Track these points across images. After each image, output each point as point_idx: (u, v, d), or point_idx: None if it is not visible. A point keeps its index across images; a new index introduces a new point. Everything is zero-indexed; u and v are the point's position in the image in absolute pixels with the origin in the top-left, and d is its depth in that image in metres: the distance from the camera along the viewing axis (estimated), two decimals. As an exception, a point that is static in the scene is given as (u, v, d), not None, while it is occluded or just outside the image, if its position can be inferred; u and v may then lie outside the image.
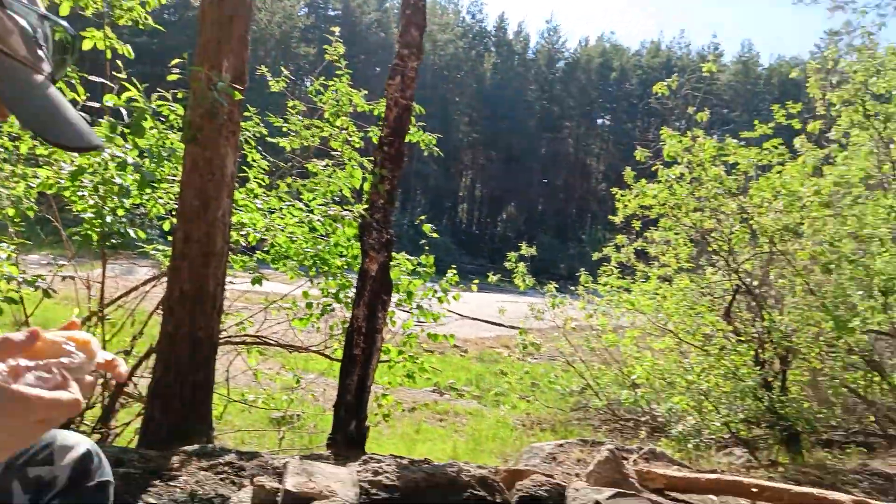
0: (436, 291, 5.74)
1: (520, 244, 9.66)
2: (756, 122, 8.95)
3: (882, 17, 14.58)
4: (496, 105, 67.00)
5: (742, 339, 7.48)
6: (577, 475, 3.76)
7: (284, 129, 5.95)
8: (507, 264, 9.45)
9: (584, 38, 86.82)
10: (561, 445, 4.69)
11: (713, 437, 7.26)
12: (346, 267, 5.55)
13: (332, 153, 5.90)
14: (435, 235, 5.88)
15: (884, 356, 8.48)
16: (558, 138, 72.96)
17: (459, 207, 74.83)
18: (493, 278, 9.82)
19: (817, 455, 6.62)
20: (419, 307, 5.63)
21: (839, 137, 9.35)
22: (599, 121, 77.86)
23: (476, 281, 7.42)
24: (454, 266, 6.33)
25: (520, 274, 9.28)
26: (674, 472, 4.28)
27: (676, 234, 8.71)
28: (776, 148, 8.77)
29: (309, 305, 5.58)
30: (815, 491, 4.03)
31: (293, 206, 5.66)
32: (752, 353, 7.36)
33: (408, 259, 5.75)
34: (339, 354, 4.89)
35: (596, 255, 9.62)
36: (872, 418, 7.98)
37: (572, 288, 9.81)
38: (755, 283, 8.40)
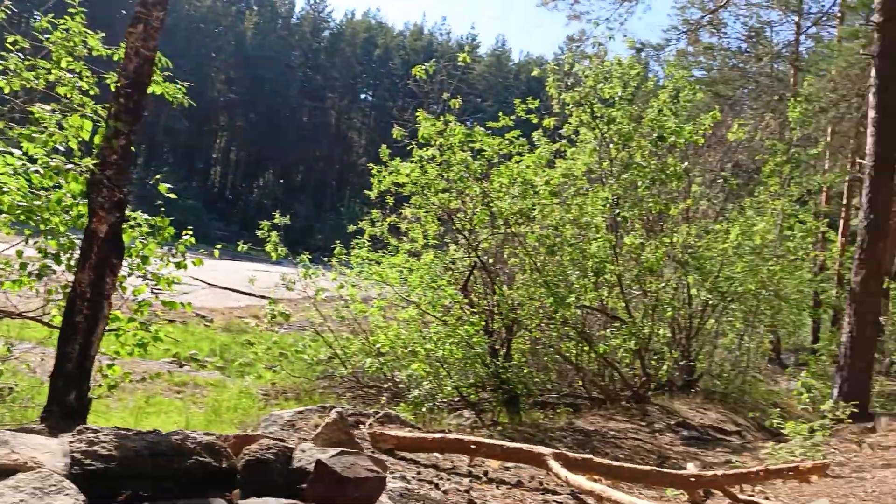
0: (173, 255, 5.41)
1: (274, 213, 9.45)
2: (501, 114, 9.63)
3: (611, 30, 16.49)
4: (257, 67, 64.18)
5: (475, 310, 8.11)
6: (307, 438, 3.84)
7: (1, 67, 5.18)
8: (259, 233, 9.20)
9: (350, 11, 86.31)
10: (300, 413, 4.74)
11: (445, 400, 7.81)
12: (71, 226, 5.01)
13: (61, 99, 5.26)
14: (173, 196, 5.50)
15: (593, 328, 9.74)
16: (321, 108, 72.15)
17: (213, 170, 70.88)
18: (243, 247, 9.49)
19: (533, 415, 7.45)
20: (152, 274, 5.26)
21: (570, 134, 10.47)
22: (363, 96, 78.48)
23: (219, 246, 7.11)
24: (203, 232, 6.02)
25: (272, 243, 9.09)
26: (405, 433, 4.55)
27: (426, 212, 9.12)
28: (517, 139, 9.57)
29: (23, 266, 4.96)
30: (523, 446, 4.54)
31: (8, 153, 4.95)
32: (483, 323, 8.02)
33: (146, 219, 5.34)
34: (59, 321, 4.42)
35: (351, 228, 9.76)
36: (581, 382, 9.15)
37: (327, 259, 9.85)
38: (491, 260, 9.14)
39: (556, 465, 4.26)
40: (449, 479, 4.30)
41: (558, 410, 7.77)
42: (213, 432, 3.64)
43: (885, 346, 14.74)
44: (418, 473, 4.31)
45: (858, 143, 17.26)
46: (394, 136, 9.16)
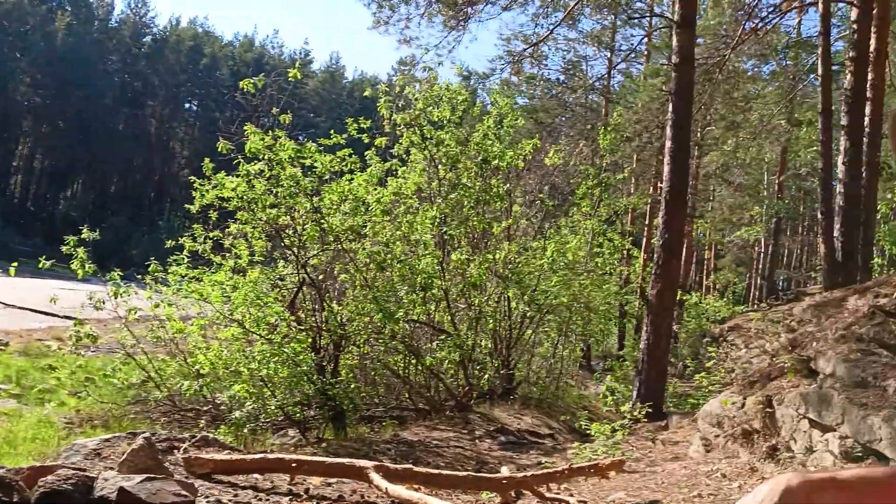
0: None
1: (82, 227, 8.75)
2: (332, 131, 9.68)
3: (440, 57, 17.08)
4: (68, 70, 58.99)
5: (302, 327, 8.04)
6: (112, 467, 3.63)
7: None
8: (65, 248, 8.46)
9: (175, 18, 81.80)
10: (107, 440, 4.45)
11: (269, 420, 7.64)
12: None
13: None
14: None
15: (420, 342, 9.99)
16: (140, 116, 67.72)
17: (13, 179, 64.03)
18: (45, 263, 8.68)
19: (360, 430, 7.49)
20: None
21: (401, 154, 10.72)
22: (187, 105, 74.75)
23: (15, 264, 6.49)
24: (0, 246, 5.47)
25: (79, 259, 8.40)
26: (223, 456, 4.43)
27: (253, 227, 8.90)
28: (349, 157, 9.64)
29: None
30: (345, 460, 4.58)
31: None
32: (311, 340, 7.96)
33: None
34: None
35: (170, 243, 9.27)
36: (407, 395, 9.34)
37: (141, 276, 9.27)
38: (320, 277, 9.10)
39: (377, 478, 4.34)
40: (268, 499, 4.23)
41: (384, 423, 7.88)
42: (4, 465, 3.35)
43: (679, 351, 16.44)
44: (235, 496, 4.20)
45: (658, 169, 19.17)
46: (219, 150, 8.87)
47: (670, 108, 10.84)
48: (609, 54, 26.22)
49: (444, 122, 10.39)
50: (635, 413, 7.78)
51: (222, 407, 7.95)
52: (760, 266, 26.99)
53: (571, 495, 4.74)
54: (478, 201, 10.24)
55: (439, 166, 10.35)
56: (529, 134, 17.83)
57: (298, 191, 8.61)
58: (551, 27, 18.99)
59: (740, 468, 5.34)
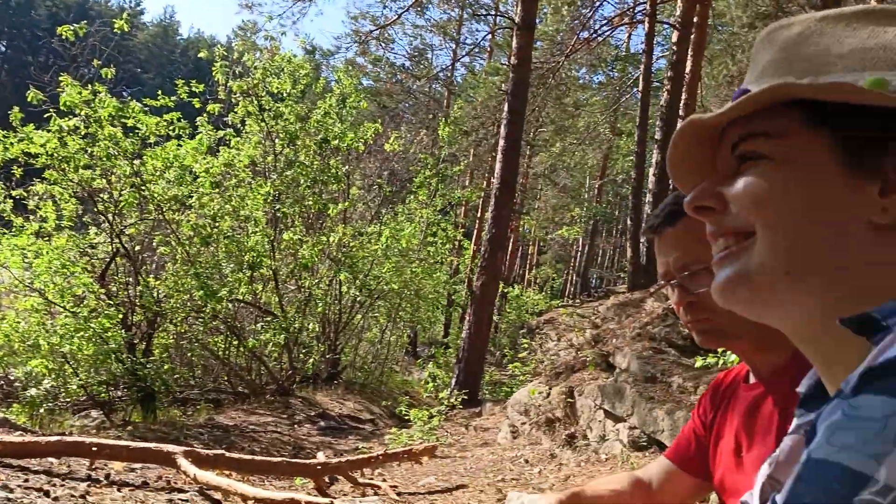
0: None
1: None
2: (160, 92, 9.11)
3: (283, 27, 16.57)
4: None
5: (113, 302, 7.52)
6: None
7: None
8: None
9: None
10: None
11: (70, 400, 7.09)
12: None
13: None
14: None
15: (244, 323, 9.70)
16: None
17: None
18: None
19: (171, 413, 7.16)
20: None
21: (236, 123, 10.30)
22: (-6, 44, 66.43)
23: None
24: None
25: None
26: (14, 438, 4.06)
27: (63, 188, 8.17)
28: (179, 121, 9.12)
29: None
30: (152, 445, 4.38)
31: None
32: (122, 316, 7.47)
33: None
34: None
35: (-38, 199, 8.26)
36: (226, 377, 9.04)
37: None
38: (137, 248, 8.55)
39: (185, 463, 4.19)
40: (63, 485, 3.95)
41: (199, 407, 7.58)
42: None
43: (498, 341, 17.29)
44: (26, 481, 3.88)
45: (492, 165, 19.94)
46: (29, 100, 8.04)
47: (506, 107, 11.30)
48: (454, 46, 26.79)
49: (285, 94, 10.12)
50: (452, 400, 8.10)
51: (16, 384, 7.26)
52: (577, 264, 29.03)
53: (384, 480, 4.87)
54: (315, 181, 10.09)
55: (276, 141, 10.08)
56: (372, 117, 17.83)
57: (118, 153, 8.04)
58: (400, 11, 19.05)
59: (542, 454, 5.75)
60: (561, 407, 6.12)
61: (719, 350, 5.13)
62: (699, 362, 5.38)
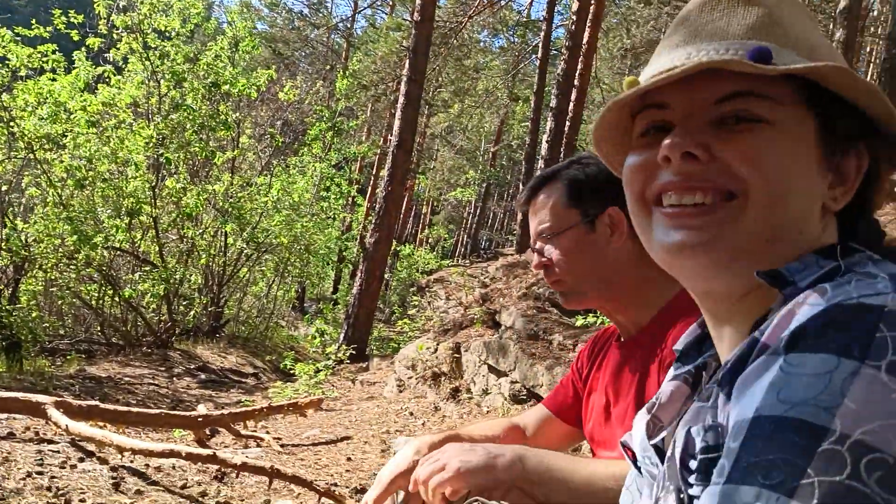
0: None
1: None
2: (35, 21, 8.44)
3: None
4: None
5: (-25, 245, 6.97)
6: None
7: None
8: None
9: None
10: None
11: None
12: None
13: None
14: None
15: (120, 272, 9.24)
16: None
17: None
18: None
19: (39, 363, 6.76)
20: None
21: (117, 60, 9.64)
22: None
23: None
24: None
25: None
26: None
27: None
28: (54, 53, 8.48)
29: None
30: (19, 395, 4.15)
31: None
32: (-16, 260, 6.95)
33: None
34: None
35: None
36: (100, 328, 8.61)
37: None
38: (4, 188, 7.93)
39: (56, 414, 3.99)
40: (-88, 438, 3.68)
41: (69, 357, 7.20)
42: None
43: (388, 298, 17.40)
44: None
45: (390, 122, 19.78)
46: None
47: (407, 64, 11.18)
48: (356, -3, 26.10)
49: (173, 33, 9.56)
50: (340, 354, 8.11)
51: None
52: (468, 225, 29.45)
53: (268, 432, 4.84)
54: (202, 126, 9.64)
55: (161, 82, 9.53)
56: (266, 64, 17.16)
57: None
58: (300, -44, 18.29)
59: (426, 407, 5.90)
60: (447, 362, 6.28)
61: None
62: (579, 321, 5.65)
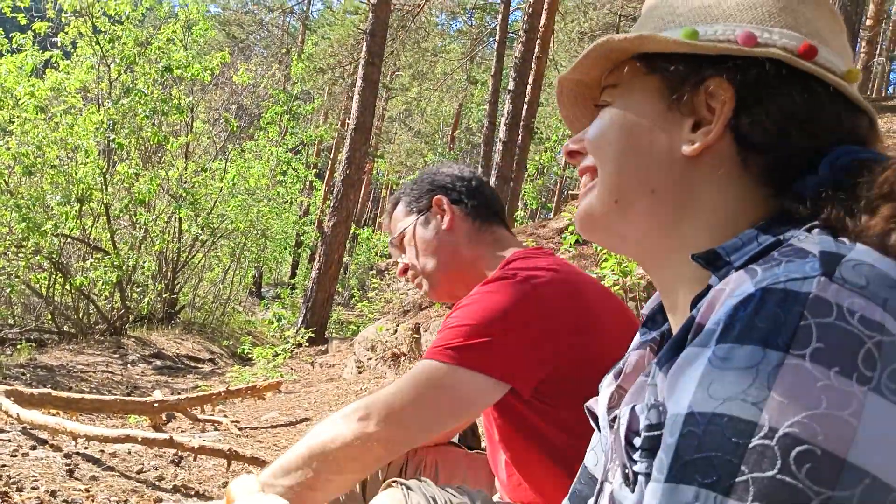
0: None
1: None
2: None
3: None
4: None
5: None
6: None
7: None
8: None
9: None
10: None
11: None
12: None
13: None
14: None
15: (71, 259, 9.05)
16: None
17: None
18: None
19: (-15, 353, 6.63)
20: None
21: (66, 45, 9.40)
22: None
23: None
24: None
25: None
26: None
27: None
28: (-1, 38, 8.27)
29: None
30: (-35, 385, 4.08)
31: None
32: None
33: None
34: None
35: None
36: (50, 316, 8.45)
37: None
38: (-54, 175, 7.70)
39: (6, 402, 3.95)
40: None
41: (20, 346, 7.06)
42: None
43: (347, 282, 17.35)
44: None
45: (348, 105, 19.63)
46: None
47: (364, 48, 11.11)
48: (312, -21, 25.71)
49: (123, 17, 9.35)
50: (298, 338, 8.11)
51: None
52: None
53: (225, 416, 4.85)
54: (154, 111, 9.46)
55: (112, 66, 9.33)
56: (220, 47, 16.83)
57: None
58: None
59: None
60: (407, 342, 6.34)
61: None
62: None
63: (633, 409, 0.62)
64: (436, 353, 1.14)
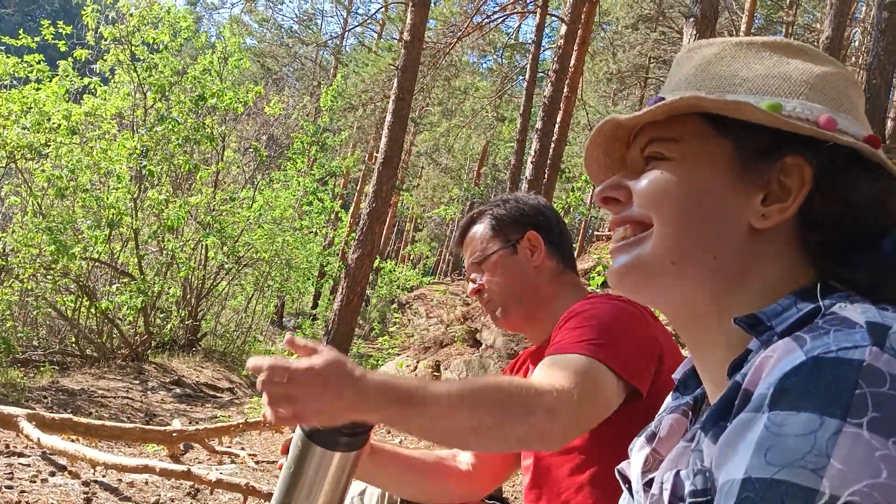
0: None
1: None
2: (22, 31, 8.44)
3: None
4: None
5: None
6: None
7: None
8: None
9: None
10: None
11: None
12: None
13: None
14: None
15: (98, 283, 9.13)
16: None
17: None
18: None
19: (11, 374, 6.65)
20: None
21: (104, 71, 9.61)
22: None
23: None
24: None
25: None
26: None
27: None
28: (39, 63, 8.47)
29: None
30: (-11, 407, 4.09)
31: None
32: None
33: None
34: None
35: None
36: (74, 339, 8.49)
37: None
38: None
39: (28, 427, 3.93)
40: None
41: (43, 369, 7.09)
42: None
43: (369, 314, 17.30)
44: None
45: (376, 139, 19.80)
46: None
47: (395, 83, 11.21)
48: (346, 14, 26.29)
49: (162, 46, 9.55)
50: (319, 370, 8.03)
51: None
52: (451, 243, 29.37)
53: (243, 448, 4.80)
54: (187, 139, 9.60)
55: (148, 94, 9.51)
56: (254, 79, 17.17)
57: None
58: (291, -28, 18.40)
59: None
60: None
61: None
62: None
63: (677, 473, 0.61)
64: (582, 348, 1.16)
